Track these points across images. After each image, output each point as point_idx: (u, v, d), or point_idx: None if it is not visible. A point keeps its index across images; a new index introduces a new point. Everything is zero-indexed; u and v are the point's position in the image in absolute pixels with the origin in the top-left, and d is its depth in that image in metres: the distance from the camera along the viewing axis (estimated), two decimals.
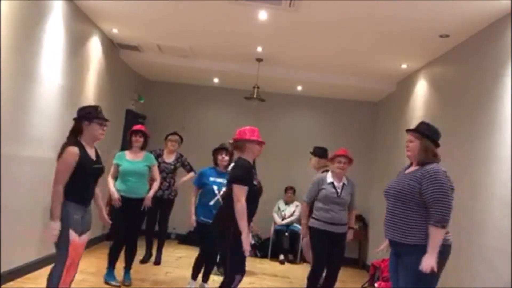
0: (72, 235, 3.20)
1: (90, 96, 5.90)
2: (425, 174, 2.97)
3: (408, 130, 3.25)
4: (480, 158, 4.10)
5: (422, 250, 2.89)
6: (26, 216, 4.53)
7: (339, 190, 4.59)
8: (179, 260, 6.45)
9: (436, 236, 2.87)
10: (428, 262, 2.84)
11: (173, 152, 6.02)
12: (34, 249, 4.79)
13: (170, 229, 8.07)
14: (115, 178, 4.86)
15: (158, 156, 5.88)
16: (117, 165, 4.84)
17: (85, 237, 3.39)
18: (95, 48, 5.96)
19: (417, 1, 4.07)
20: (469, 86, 4.55)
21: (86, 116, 3.35)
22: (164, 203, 5.97)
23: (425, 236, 2.92)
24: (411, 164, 3.23)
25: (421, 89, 5.96)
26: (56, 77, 4.93)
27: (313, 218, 4.61)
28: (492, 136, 3.94)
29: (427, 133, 3.12)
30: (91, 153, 3.37)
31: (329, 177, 4.65)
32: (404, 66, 6.12)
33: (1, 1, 3.75)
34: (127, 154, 4.93)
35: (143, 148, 4.97)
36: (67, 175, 3.20)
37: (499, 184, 3.73)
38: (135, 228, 4.87)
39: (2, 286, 4.15)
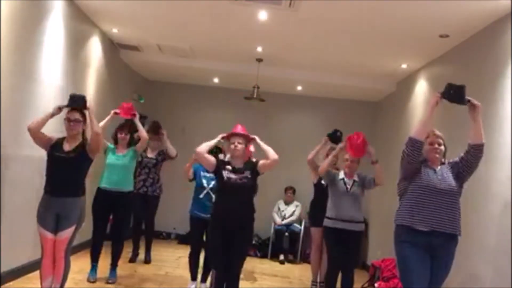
0: (39, 228, 3.58)
1: (90, 96, 5.89)
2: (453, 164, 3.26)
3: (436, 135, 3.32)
4: None
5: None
6: (26, 216, 4.52)
7: (349, 186, 4.65)
8: (179, 260, 6.44)
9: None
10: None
11: (155, 148, 6.02)
12: (34, 249, 4.77)
13: (170, 229, 8.11)
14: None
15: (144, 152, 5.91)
16: (106, 146, 4.90)
17: (63, 233, 3.57)
18: (95, 48, 5.95)
19: (417, 1, 4.07)
20: (469, 86, 4.53)
21: None
22: (149, 200, 5.94)
23: None
24: (424, 161, 3.28)
25: (421, 89, 5.95)
26: (56, 77, 4.92)
27: (326, 217, 4.67)
28: (492, 136, 3.93)
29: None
30: (68, 145, 3.62)
31: (341, 174, 4.73)
32: (404, 66, 6.12)
33: (1, 1, 3.75)
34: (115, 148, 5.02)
35: (130, 144, 5.03)
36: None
37: (499, 184, 3.73)
38: (119, 223, 4.93)
39: (2, 286, 4.15)
